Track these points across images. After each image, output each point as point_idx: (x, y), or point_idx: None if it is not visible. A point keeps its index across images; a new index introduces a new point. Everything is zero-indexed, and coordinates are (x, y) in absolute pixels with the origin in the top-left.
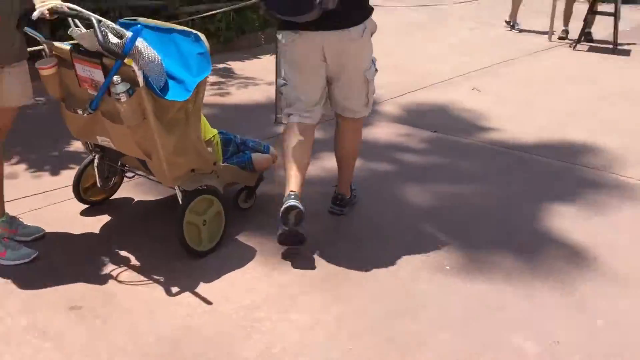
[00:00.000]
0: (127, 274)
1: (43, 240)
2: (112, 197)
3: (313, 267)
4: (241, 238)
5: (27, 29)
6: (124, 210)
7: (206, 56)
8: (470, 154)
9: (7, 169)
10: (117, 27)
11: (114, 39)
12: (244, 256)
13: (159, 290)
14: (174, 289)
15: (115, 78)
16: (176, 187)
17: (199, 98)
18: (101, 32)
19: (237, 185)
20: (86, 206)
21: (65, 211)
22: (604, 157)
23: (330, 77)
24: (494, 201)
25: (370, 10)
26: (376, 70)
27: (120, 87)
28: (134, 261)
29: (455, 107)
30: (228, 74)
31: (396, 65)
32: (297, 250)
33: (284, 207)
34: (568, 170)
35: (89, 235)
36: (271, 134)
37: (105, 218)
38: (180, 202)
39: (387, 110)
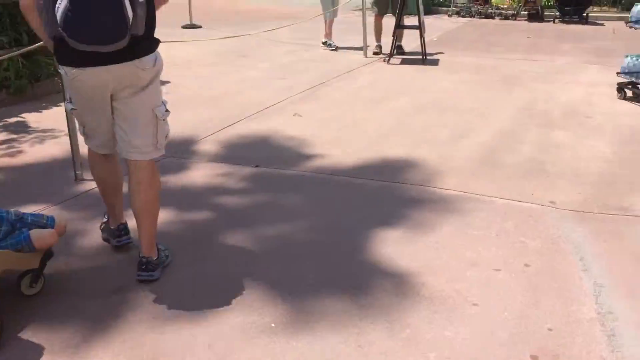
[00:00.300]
0: None
1: None
2: None
3: (116, 358)
4: (26, 335)
5: None
6: None
7: None
8: (293, 186)
9: None
10: None
11: None
12: None
13: None
14: None
15: None
16: None
17: None
18: None
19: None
20: None
21: None
22: (423, 170)
23: (117, 112)
24: (318, 236)
25: (158, 41)
26: (167, 110)
27: None
28: None
29: (278, 136)
30: (21, 128)
31: (213, 98)
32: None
33: (117, 245)
34: (390, 190)
35: None
36: (72, 194)
37: None
38: None
39: (204, 149)
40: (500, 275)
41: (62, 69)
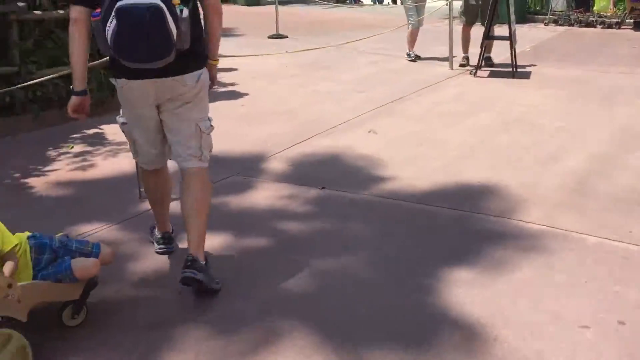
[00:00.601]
0: None
1: None
2: None
3: None
4: None
5: None
6: None
7: None
8: (359, 212)
9: None
10: None
11: None
12: None
13: None
14: None
15: None
16: None
17: None
18: None
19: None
20: None
21: None
22: (505, 199)
23: (163, 123)
24: (382, 273)
25: (205, 58)
26: (212, 126)
27: None
28: None
29: (349, 155)
30: (98, 140)
31: (288, 113)
32: None
33: (158, 252)
34: (465, 220)
35: None
36: (133, 213)
37: None
38: None
39: (271, 168)
40: (588, 334)
41: (114, 80)
